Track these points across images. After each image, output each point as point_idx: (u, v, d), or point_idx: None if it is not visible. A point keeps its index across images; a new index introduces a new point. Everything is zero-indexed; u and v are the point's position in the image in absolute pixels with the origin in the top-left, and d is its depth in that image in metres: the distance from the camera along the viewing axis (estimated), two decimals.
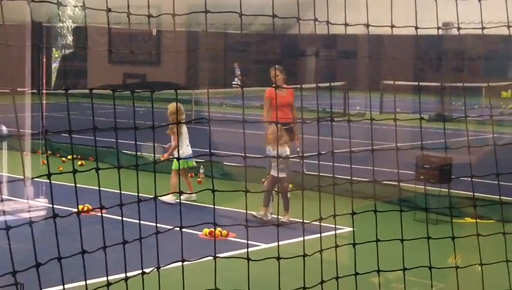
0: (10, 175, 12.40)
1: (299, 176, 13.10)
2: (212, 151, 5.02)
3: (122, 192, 4.44)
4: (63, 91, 4.38)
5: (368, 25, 5.78)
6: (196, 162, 14.31)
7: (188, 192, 12.60)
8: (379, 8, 6.24)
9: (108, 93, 4.71)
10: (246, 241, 5.20)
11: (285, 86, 12.98)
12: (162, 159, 12.16)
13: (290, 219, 10.90)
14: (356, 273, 5.50)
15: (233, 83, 40.18)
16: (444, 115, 23.35)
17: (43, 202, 11.01)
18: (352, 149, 5.53)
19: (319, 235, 5.32)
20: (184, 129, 12.84)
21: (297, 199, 12.68)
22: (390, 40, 39.59)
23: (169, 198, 12.24)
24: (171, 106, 12.72)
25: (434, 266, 5.82)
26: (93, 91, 4.65)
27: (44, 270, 4.04)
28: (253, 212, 11.31)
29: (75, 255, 4.23)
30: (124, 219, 4.53)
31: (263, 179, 13.95)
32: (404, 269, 5.71)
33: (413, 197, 11.72)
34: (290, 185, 13.30)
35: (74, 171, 4.17)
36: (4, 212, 10.73)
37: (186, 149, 12.80)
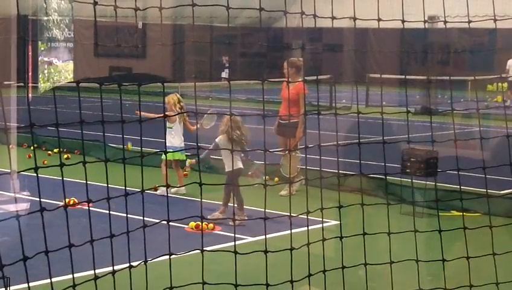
0: None
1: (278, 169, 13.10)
2: (198, 144, 5.01)
3: (109, 185, 4.43)
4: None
5: (354, 18, 5.78)
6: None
7: (177, 185, 12.56)
8: (365, 1, 6.23)
9: (94, 86, 4.69)
10: (232, 234, 5.19)
11: (296, 80, 12.49)
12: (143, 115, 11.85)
13: (245, 217, 10.62)
14: (343, 267, 5.51)
15: (223, 75, 40.08)
16: (430, 108, 23.39)
17: (26, 196, 10.96)
18: (338, 142, 5.54)
19: (306, 228, 5.32)
20: (177, 120, 12.79)
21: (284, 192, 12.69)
22: (376, 34, 39.67)
23: (162, 190, 12.20)
24: (170, 97, 12.70)
25: (421, 259, 5.84)
26: (80, 85, 4.63)
27: (31, 263, 4.03)
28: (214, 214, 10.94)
29: (63, 248, 4.21)
30: (110, 212, 4.52)
31: (249, 172, 13.94)
32: (391, 262, 5.73)
33: (400, 190, 11.74)
34: (276, 179, 13.27)
35: (61, 165, 4.16)
36: None
37: (175, 140, 12.73)
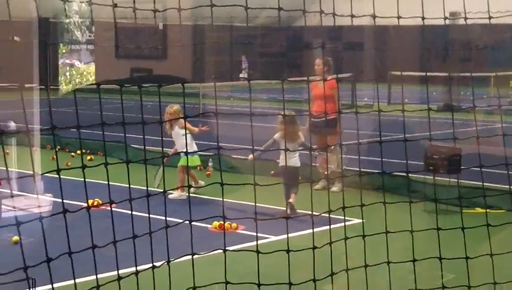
0: (20, 171, 12.42)
1: (307, 168, 13.10)
2: (220, 144, 5.01)
3: (131, 186, 4.45)
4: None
5: (374, 16, 5.76)
6: (205, 155, 14.29)
7: (194, 185, 12.57)
8: None
9: (115, 87, 4.73)
10: (255, 233, 5.20)
11: (329, 77, 12.53)
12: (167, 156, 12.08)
13: (297, 210, 10.87)
14: (366, 265, 5.50)
15: (241, 76, 40.10)
16: (452, 105, 23.29)
17: (49, 197, 11.03)
18: (360, 141, 5.53)
19: (328, 227, 5.31)
20: (182, 130, 12.64)
21: (306, 190, 12.68)
22: (397, 31, 39.49)
23: (179, 194, 12.24)
24: (171, 107, 12.67)
25: (444, 257, 5.82)
26: (101, 86, 4.66)
27: (54, 265, 4.05)
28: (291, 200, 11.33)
29: (86, 249, 4.23)
30: (133, 213, 4.54)
31: (272, 172, 13.92)
32: (414, 260, 5.71)
33: (423, 188, 11.69)
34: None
35: (83, 167, 4.18)
36: (14, 208, 10.75)
37: (194, 145, 12.73)
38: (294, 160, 11.50)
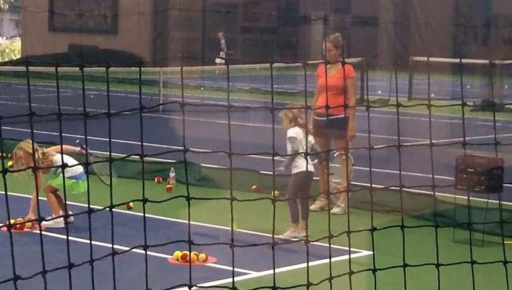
0: None
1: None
2: (186, 148, 5.02)
3: (67, 202, 4.45)
4: None
5: None
6: (166, 163, 14.28)
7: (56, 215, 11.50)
8: None
9: (48, 70, 4.72)
10: (230, 267, 5.21)
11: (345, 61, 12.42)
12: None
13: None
14: None
15: (217, 57, 40.10)
16: (493, 102, 23.42)
17: None
18: (372, 146, 5.54)
19: (327, 259, 5.33)
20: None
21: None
22: (422, 3, 39.71)
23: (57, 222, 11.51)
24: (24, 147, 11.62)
25: None
26: (30, 68, 4.66)
27: None
28: (280, 236, 11.02)
29: (6, 281, 4.23)
30: (70, 237, 4.53)
31: (254, 186, 13.92)
32: None
33: (452, 211, 11.76)
34: (276, 193, 13.16)
35: (4, 171, 4.16)
36: None
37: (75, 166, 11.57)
38: (309, 165, 11.26)
